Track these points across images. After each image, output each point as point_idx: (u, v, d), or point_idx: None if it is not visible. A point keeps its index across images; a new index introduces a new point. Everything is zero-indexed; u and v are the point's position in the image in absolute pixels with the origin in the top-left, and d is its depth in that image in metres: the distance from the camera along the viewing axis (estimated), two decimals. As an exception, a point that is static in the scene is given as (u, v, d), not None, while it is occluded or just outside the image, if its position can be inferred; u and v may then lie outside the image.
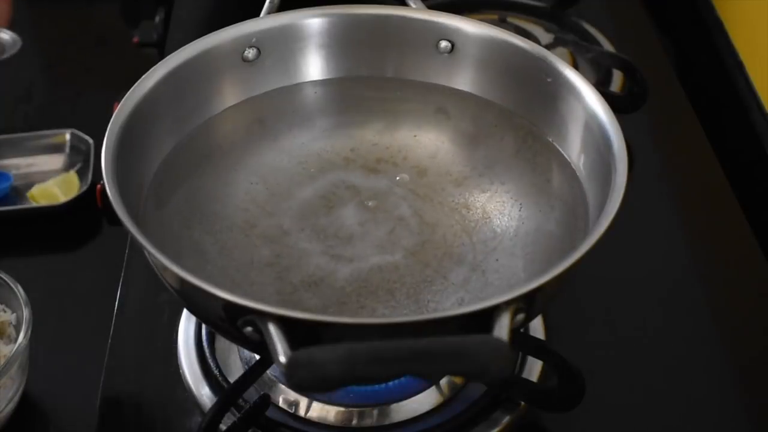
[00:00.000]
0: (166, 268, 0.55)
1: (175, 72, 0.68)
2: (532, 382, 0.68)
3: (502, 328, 0.51)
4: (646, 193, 0.83)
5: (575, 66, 0.94)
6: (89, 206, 0.87)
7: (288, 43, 0.73)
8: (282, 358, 0.49)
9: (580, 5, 1.04)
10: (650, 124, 0.91)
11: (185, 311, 0.72)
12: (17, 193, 0.91)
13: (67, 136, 0.94)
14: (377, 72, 0.75)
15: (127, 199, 0.59)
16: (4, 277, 0.73)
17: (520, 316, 0.53)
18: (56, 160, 0.94)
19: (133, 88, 0.66)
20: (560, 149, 0.69)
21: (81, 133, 0.94)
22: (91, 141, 0.93)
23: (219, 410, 0.62)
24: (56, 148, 0.94)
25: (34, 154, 0.94)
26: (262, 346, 0.51)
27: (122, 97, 0.65)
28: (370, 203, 0.67)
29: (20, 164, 0.94)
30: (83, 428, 0.70)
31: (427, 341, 0.49)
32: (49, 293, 0.80)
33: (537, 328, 0.71)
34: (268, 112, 0.73)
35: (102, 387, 0.69)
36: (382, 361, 0.48)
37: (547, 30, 1.02)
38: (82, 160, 0.93)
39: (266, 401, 0.65)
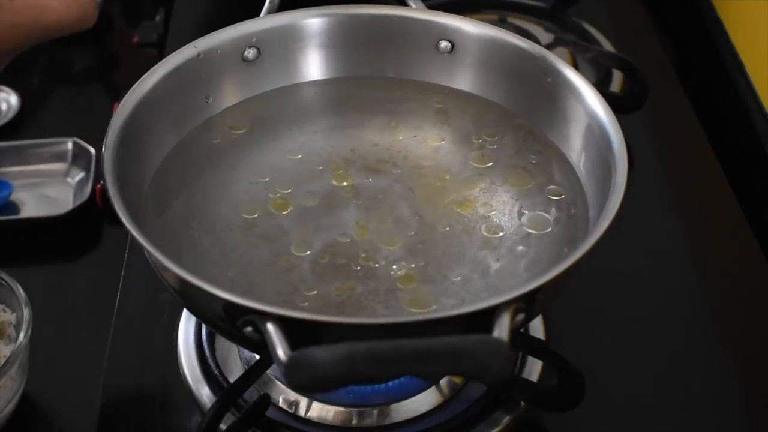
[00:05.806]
0: (166, 268, 0.55)
1: (175, 72, 0.68)
2: (532, 382, 0.68)
3: (502, 328, 0.51)
4: (646, 193, 0.83)
5: (575, 66, 0.94)
6: (90, 216, 0.87)
7: (288, 43, 0.73)
8: (282, 358, 0.49)
9: (580, 5, 1.03)
10: (650, 124, 0.91)
11: (185, 311, 0.72)
12: (18, 202, 0.90)
13: (70, 145, 0.93)
14: (377, 72, 0.75)
15: (127, 199, 0.59)
16: (4, 278, 0.73)
17: (521, 316, 0.53)
18: (58, 169, 0.93)
19: (133, 88, 0.66)
20: (560, 149, 0.69)
21: (83, 143, 0.93)
22: (93, 150, 0.92)
23: (219, 410, 0.62)
24: (58, 157, 0.94)
25: (36, 162, 0.93)
26: (262, 346, 0.51)
27: (122, 97, 0.65)
28: (370, 203, 0.67)
29: (22, 173, 0.93)
30: (83, 428, 0.70)
31: (426, 341, 0.49)
32: (49, 293, 0.80)
33: (537, 328, 0.72)
34: (268, 112, 0.73)
35: (102, 387, 0.69)
36: (381, 361, 0.48)
37: (547, 30, 1.02)
38: (84, 169, 0.92)
39: (266, 401, 0.65)
